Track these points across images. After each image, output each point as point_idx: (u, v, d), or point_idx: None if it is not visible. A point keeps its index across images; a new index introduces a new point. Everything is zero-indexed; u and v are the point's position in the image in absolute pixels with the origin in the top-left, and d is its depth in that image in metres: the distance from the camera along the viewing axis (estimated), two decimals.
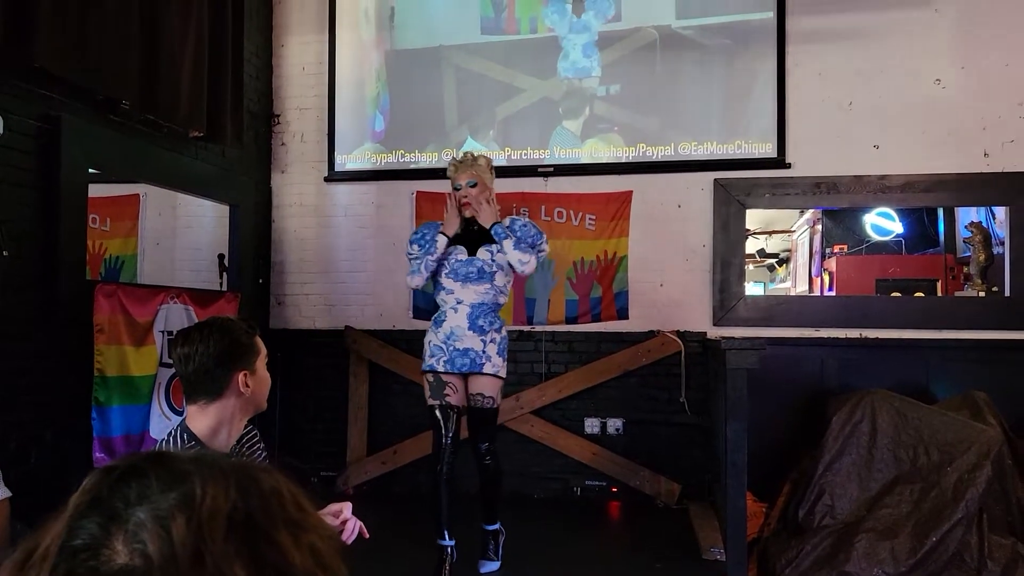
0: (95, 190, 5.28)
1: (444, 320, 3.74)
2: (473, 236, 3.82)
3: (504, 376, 3.76)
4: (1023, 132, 4.82)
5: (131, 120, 4.18)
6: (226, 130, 4.81)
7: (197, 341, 1.91)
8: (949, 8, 4.93)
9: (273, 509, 0.56)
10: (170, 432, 1.96)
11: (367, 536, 1.95)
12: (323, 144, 5.64)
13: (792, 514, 4.36)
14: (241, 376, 1.92)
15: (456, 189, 3.81)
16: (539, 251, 3.81)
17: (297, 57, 5.71)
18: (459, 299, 3.73)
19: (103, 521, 0.54)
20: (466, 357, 3.66)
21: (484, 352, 3.66)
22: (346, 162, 5.62)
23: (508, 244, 3.71)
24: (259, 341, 2.01)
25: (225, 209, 5.26)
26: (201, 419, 1.93)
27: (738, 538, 3.79)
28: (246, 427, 2.09)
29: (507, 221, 3.82)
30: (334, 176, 5.62)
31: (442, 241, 3.77)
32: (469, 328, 3.67)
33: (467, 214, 3.80)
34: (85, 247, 3.98)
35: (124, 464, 0.58)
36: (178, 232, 5.66)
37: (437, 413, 3.70)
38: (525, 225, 3.83)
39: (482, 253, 3.76)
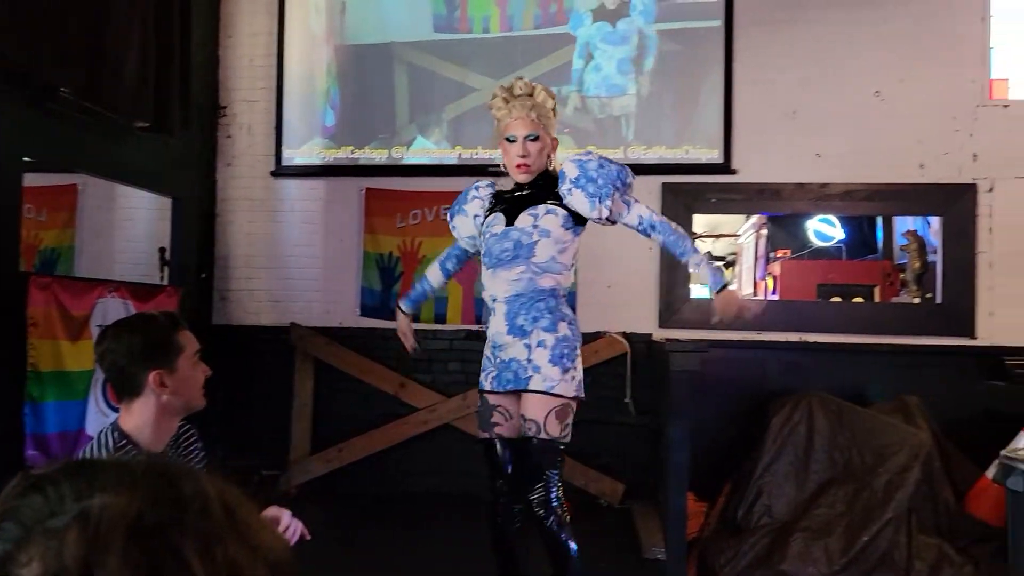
0: (31, 179, 5.13)
1: (489, 323, 2.84)
2: (519, 200, 2.79)
3: (565, 394, 2.64)
4: (957, 145, 4.98)
5: (71, 108, 4.08)
6: (172, 121, 4.72)
7: (110, 339, 1.88)
8: (889, 22, 5.06)
9: (188, 519, 0.54)
10: (102, 431, 1.92)
11: (308, 537, 1.94)
12: (271, 138, 5.56)
13: (731, 514, 4.44)
14: (155, 375, 1.87)
15: (510, 141, 2.74)
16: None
17: (245, 49, 5.63)
18: (493, 295, 2.77)
19: (15, 531, 0.53)
20: (509, 370, 2.71)
21: (530, 361, 2.66)
22: (294, 157, 5.56)
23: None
24: (183, 337, 1.95)
25: (167, 202, 5.16)
26: (128, 418, 1.90)
27: (678, 537, 3.85)
28: (183, 425, 2.06)
29: (574, 170, 2.71)
30: (282, 171, 5.55)
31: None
32: (508, 332, 2.70)
33: (521, 179, 2.77)
34: (19, 237, 3.87)
35: (40, 472, 0.57)
36: (118, 224, 5.53)
37: (485, 450, 2.83)
38: (602, 166, 2.70)
39: (523, 219, 2.72)
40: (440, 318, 5.38)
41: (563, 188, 2.70)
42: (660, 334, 5.11)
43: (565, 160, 2.76)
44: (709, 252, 2.69)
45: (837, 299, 5.64)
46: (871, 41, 5.07)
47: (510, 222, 2.74)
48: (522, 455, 2.70)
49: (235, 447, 5.28)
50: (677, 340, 4.21)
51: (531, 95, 2.74)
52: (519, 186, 2.80)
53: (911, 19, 5.04)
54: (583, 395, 2.73)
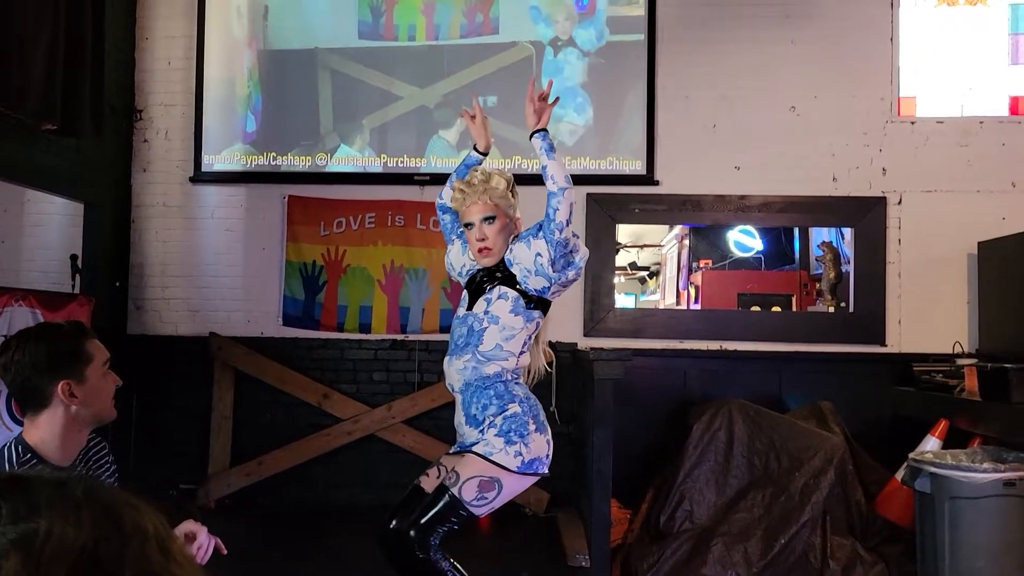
0: None
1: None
2: (480, 284, 2.77)
3: (503, 464, 2.56)
4: (867, 160, 5.19)
5: None
6: (83, 124, 4.55)
7: (13, 350, 1.80)
8: (804, 42, 5.24)
9: (128, 554, 0.53)
10: (6, 444, 1.84)
11: (225, 552, 1.89)
12: (189, 143, 5.42)
13: (654, 520, 4.51)
14: (63, 386, 1.81)
15: (468, 227, 2.75)
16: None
17: (163, 51, 5.47)
18: (450, 384, 2.76)
19: None
20: (463, 440, 2.74)
21: (482, 433, 2.64)
22: (214, 162, 5.43)
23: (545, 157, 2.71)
24: (91, 346, 1.89)
25: (80, 207, 4.97)
26: (33, 431, 1.82)
27: (602, 544, 3.89)
28: (93, 438, 1.98)
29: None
30: (201, 176, 5.41)
31: (472, 156, 2.91)
32: (467, 423, 2.70)
33: (485, 263, 2.74)
34: None
35: None
36: (26, 231, 5.31)
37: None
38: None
39: (479, 304, 2.71)
40: (365, 328, 5.33)
41: (511, 248, 2.71)
42: (585, 343, 5.16)
43: None
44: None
45: (756, 308, 5.79)
46: (788, 59, 5.24)
47: (471, 307, 2.75)
48: (427, 498, 2.63)
49: (152, 460, 5.12)
50: (601, 349, 4.26)
51: (487, 181, 2.73)
52: (486, 269, 2.78)
53: (825, 39, 5.23)
54: (536, 471, 2.62)
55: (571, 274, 2.70)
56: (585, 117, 5.34)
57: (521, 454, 2.57)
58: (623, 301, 6.56)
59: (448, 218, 2.96)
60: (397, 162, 5.39)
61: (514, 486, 2.62)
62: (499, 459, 2.56)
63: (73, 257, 4.87)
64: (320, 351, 5.36)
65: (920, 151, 5.16)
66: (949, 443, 4.25)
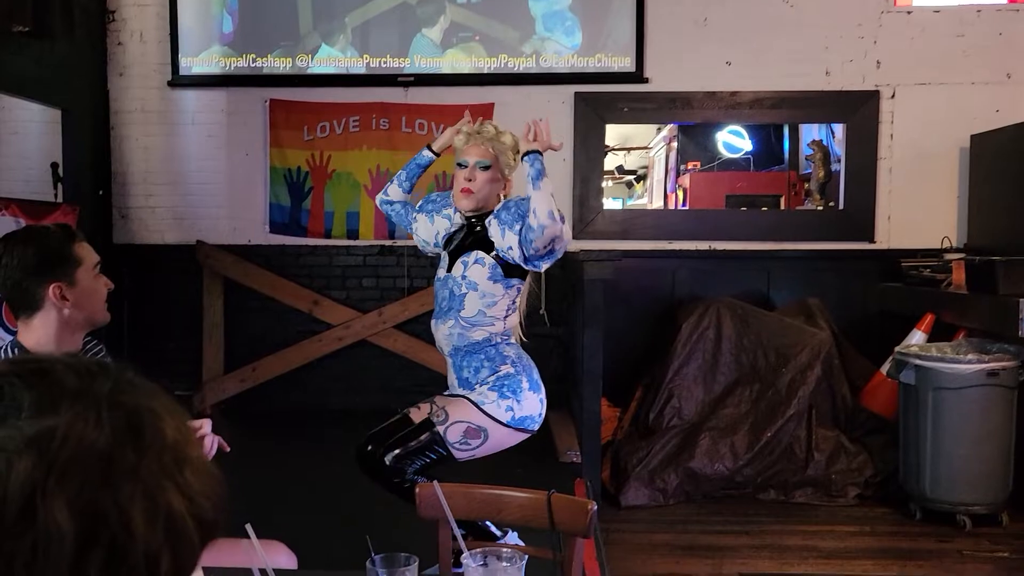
0: None
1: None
2: (460, 244, 2.71)
3: (493, 415, 2.58)
4: (861, 52, 5.08)
5: None
6: (54, 25, 4.39)
7: (2, 253, 1.79)
8: None
9: (142, 467, 0.51)
10: (2, 346, 1.83)
11: (227, 449, 1.91)
12: (165, 45, 5.24)
13: (643, 417, 4.60)
14: (54, 288, 1.80)
15: (460, 167, 2.70)
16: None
17: None
18: (440, 347, 2.75)
19: None
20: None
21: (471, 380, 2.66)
22: (192, 66, 5.27)
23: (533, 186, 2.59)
24: (81, 249, 1.87)
25: (57, 114, 4.84)
26: (28, 334, 1.82)
27: (593, 440, 3.98)
28: (88, 340, 1.98)
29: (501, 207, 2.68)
30: (179, 80, 5.26)
31: (424, 154, 2.91)
32: (460, 385, 2.69)
33: (463, 205, 2.68)
34: None
35: (4, 370, 0.52)
36: (4, 139, 5.18)
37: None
38: (524, 199, 2.62)
39: (457, 267, 2.67)
40: (352, 234, 5.29)
41: (487, 220, 2.66)
42: (574, 245, 5.14)
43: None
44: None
45: (745, 209, 5.78)
46: None
47: (451, 268, 2.70)
48: (412, 430, 2.62)
49: (146, 368, 5.13)
50: (590, 250, 4.26)
51: (497, 135, 2.71)
52: (465, 223, 2.73)
53: None
54: (524, 427, 2.62)
55: (546, 265, 2.67)
56: (572, 25, 5.17)
57: (512, 409, 2.58)
58: (610, 206, 6.52)
59: (397, 207, 2.92)
60: (380, 62, 5.24)
61: (501, 439, 2.64)
62: (490, 410, 2.57)
63: (54, 165, 4.78)
64: (309, 258, 5.34)
65: (915, 42, 5.05)
66: (934, 337, 4.33)
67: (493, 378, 2.61)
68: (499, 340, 2.67)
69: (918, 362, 3.82)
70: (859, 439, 4.35)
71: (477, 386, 2.63)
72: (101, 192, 5.16)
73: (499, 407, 2.57)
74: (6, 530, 0.46)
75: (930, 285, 4.48)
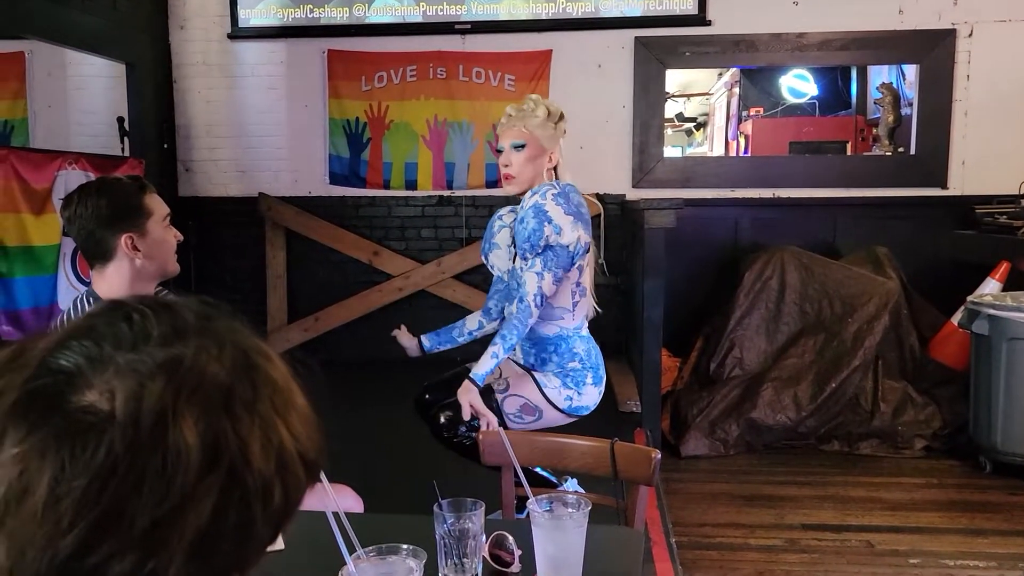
0: None
1: None
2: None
3: (552, 400, 2.58)
4: None
5: None
6: None
7: (76, 204, 1.83)
8: None
9: (259, 403, 0.53)
10: (77, 296, 1.89)
11: None
12: None
13: (704, 367, 4.57)
14: (125, 239, 1.84)
15: (499, 152, 2.64)
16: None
17: None
18: None
19: (91, 353, 0.51)
20: (529, 356, 2.70)
21: (545, 372, 2.63)
22: (250, 17, 5.28)
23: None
24: (151, 201, 1.90)
25: (121, 68, 4.91)
26: (101, 283, 1.87)
27: (653, 390, 3.97)
28: (160, 290, 2.03)
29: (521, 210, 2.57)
30: (238, 33, 5.29)
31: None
32: (524, 361, 2.72)
33: (508, 190, 2.65)
34: None
35: (132, 303, 0.55)
36: (71, 94, 5.29)
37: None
38: (523, 220, 2.52)
39: (517, 260, 2.63)
40: (411, 184, 5.31)
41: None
42: (634, 194, 5.09)
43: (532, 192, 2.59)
44: (496, 356, 2.44)
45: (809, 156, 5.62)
46: None
47: (514, 257, 2.65)
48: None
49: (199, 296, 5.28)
50: (651, 199, 4.19)
51: (532, 110, 2.59)
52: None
53: None
54: (575, 414, 2.63)
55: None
56: None
57: (571, 399, 2.60)
58: (670, 153, 6.40)
59: (499, 289, 2.86)
60: (437, 10, 5.19)
61: (553, 419, 2.64)
62: (550, 395, 2.58)
63: (120, 119, 4.87)
64: (368, 209, 5.38)
65: None
66: (1010, 286, 4.18)
67: (558, 370, 2.61)
68: (571, 334, 2.63)
69: (992, 312, 3.70)
70: (927, 391, 4.25)
71: (545, 368, 2.63)
72: (166, 145, 5.25)
73: (560, 394, 2.59)
74: (140, 444, 0.48)
75: (1006, 232, 4.31)
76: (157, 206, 1.92)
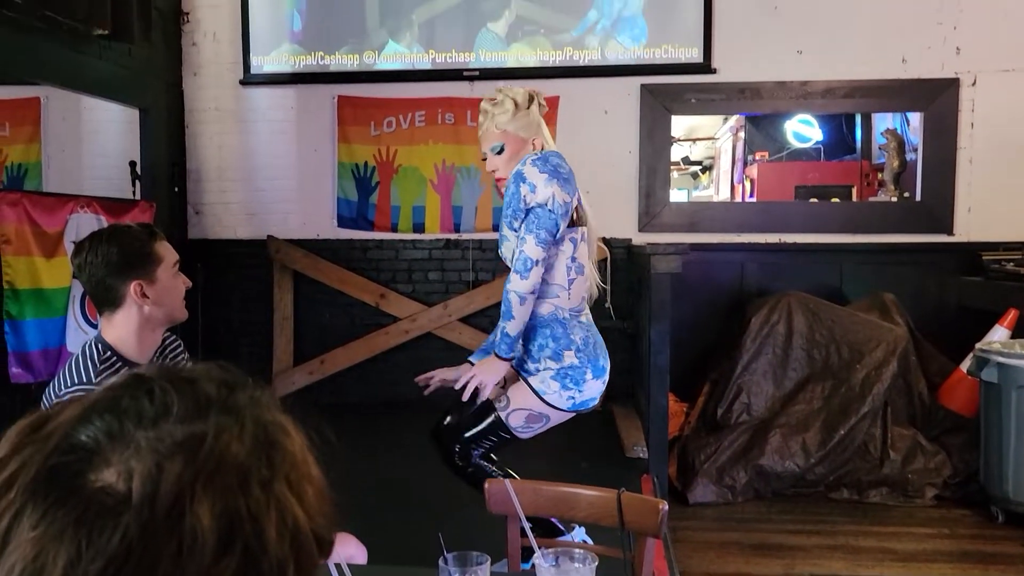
0: None
1: None
2: None
3: (553, 404, 2.53)
4: (939, 39, 4.91)
5: (27, 16, 3.89)
6: (132, 27, 4.52)
7: (86, 251, 1.85)
8: None
9: (276, 483, 0.53)
10: (86, 343, 1.90)
11: None
12: (237, 45, 5.37)
13: (711, 413, 4.54)
14: (135, 286, 1.85)
15: (484, 159, 2.64)
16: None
17: None
18: None
19: (111, 429, 0.51)
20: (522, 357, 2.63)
21: (537, 367, 2.56)
22: (263, 64, 5.38)
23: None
24: (161, 248, 1.92)
25: (134, 113, 5.00)
26: (110, 330, 1.88)
27: (660, 436, 3.94)
28: (168, 336, 2.04)
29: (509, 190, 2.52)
30: (251, 79, 5.38)
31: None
32: (522, 348, 2.65)
33: (501, 191, 2.63)
34: None
35: (155, 376, 0.55)
36: (84, 138, 5.37)
37: None
38: (507, 187, 2.52)
39: (512, 237, 2.57)
40: (418, 228, 5.34)
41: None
42: (640, 239, 5.11)
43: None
44: (507, 334, 2.46)
45: (814, 201, 5.65)
46: None
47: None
48: (475, 413, 2.60)
49: (218, 359, 5.29)
50: (657, 243, 4.21)
51: (496, 106, 2.56)
52: None
53: None
54: (581, 409, 2.59)
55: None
56: (638, 17, 5.11)
57: (574, 398, 2.54)
58: (676, 196, 6.45)
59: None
60: (446, 57, 5.27)
61: (560, 419, 2.62)
62: (551, 400, 2.53)
63: (132, 163, 4.93)
64: (375, 251, 5.41)
65: (998, 27, 4.85)
66: (1018, 333, 4.16)
67: (556, 367, 2.52)
68: (567, 316, 2.54)
69: (1001, 359, 3.68)
70: (937, 438, 4.22)
71: (540, 369, 2.54)
72: (176, 189, 5.31)
73: (560, 397, 2.53)
74: (156, 528, 0.48)
75: (1013, 279, 4.31)
76: (167, 253, 1.94)
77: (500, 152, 2.55)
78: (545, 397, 2.53)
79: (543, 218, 2.43)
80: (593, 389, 2.58)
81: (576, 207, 2.54)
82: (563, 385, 2.53)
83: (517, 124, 2.55)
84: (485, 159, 2.61)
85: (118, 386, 0.55)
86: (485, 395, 2.53)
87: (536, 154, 2.52)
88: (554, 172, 2.45)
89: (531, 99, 2.58)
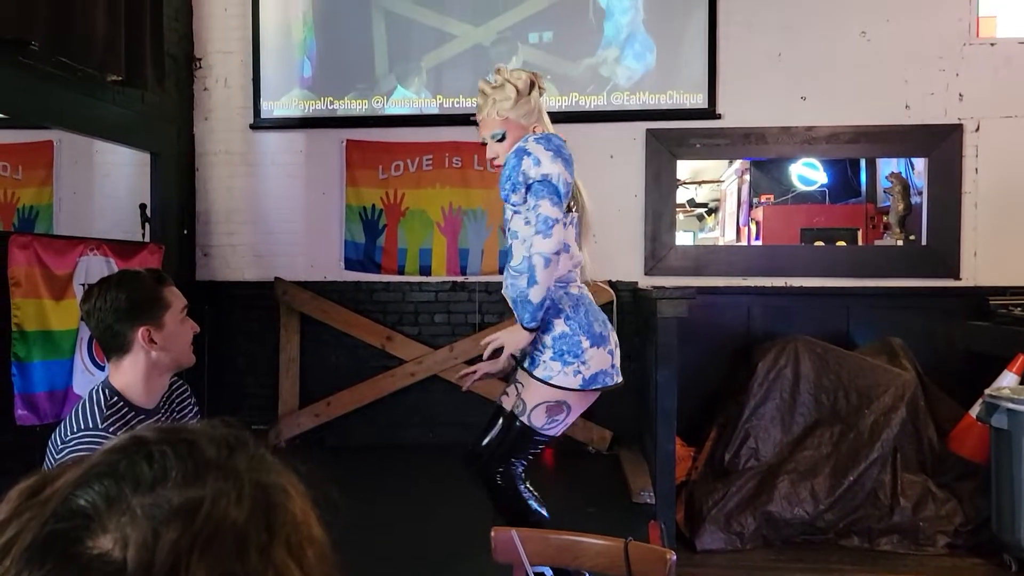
0: (4, 136, 5.01)
1: None
2: None
3: (565, 386, 2.50)
4: (942, 85, 4.96)
5: (42, 63, 3.96)
6: (146, 74, 4.60)
7: (95, 297, 1.86)
8: None
9: (274, 549, 0.53)
10: (93, 388, 1.91)
11: None
12: (248, 90, 5.45)
13: (719, 458, 4.50)
14: (143, 332, 1.86)
15: (483, 144, 2.64)
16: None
17: None
18: (504, 292, 2.73)
19: (109, 494, 0.51)
20: (526, 354, 2.61)
21: (537, 350, 2.55)
22: (273, 109, 5.46)
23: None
24: (169, 293, 1.94)
25: (146, 157, 5.06)
26: (118, 376, 1.88)
27: (667, 481, 3.90)
28: (175, 381, 2.05)
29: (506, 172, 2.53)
30: (260, 123, 5.45)
31: None
32: None
33: (496, 170, 2.65)
34: None
35: (154, 439, 0.55)
36: (96, 181, 5.43)
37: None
38: (505, 163, 2.53)
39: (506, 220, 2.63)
40: (425, 270, 5.37)
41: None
42: (646, 282, 5.12)
43: None
44: (529, 301, 2.45)
45: (820, 243, 5.66)
46: None
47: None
48: (501, 429, 2.59)
49: (225, 401, 5.29)
50: (663, 287, 4.21)
51: (499, 90, 2.56)
52: None
53: None
54: (600, 385, 2.55)
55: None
56: (644, 63, 5.19)
57: (580, 372, 2.49)
58: (681, 238, 6.47)
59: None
60: (453, 103, 5.34)
61: (581, 403, 2.58)
62: (559, 382, 2.48)
63: (142, 206, 4.98)
64: (382, 294, 5.43)
65: (1000, 74, 4.91)
66: None
67: (549, 339, 2.49)
68: (552, 286, 2.51)
69: (1011, 405, 3.65)
70: (947, 485, 4.17)
71: (541, 360, 2.52)
72: (185, 231, 5.36)
73: (566, 376, 2.48)
74: None
75: (1021, 324, 4.29)
76: (175, 299, 1.95)
77: (501, 139, 2.56)
78: (552, 381, 2.49)
79: (548, 187, 2.43)
80: (598, 360, 2.54)
81: (574, 193, 2.56)
82: (563, 362, 2.49)
83: (519, 111, 2.55)
84: (485, 144, 2.61)
85: (117, 449, 0.54)
86: (504, 356, 2.52)
87: (539, 135, 2.54)
88: (557, 151, 2.48)
89: (532, 85, 2.59)
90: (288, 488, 0.57)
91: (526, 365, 2.57)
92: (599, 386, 2.55)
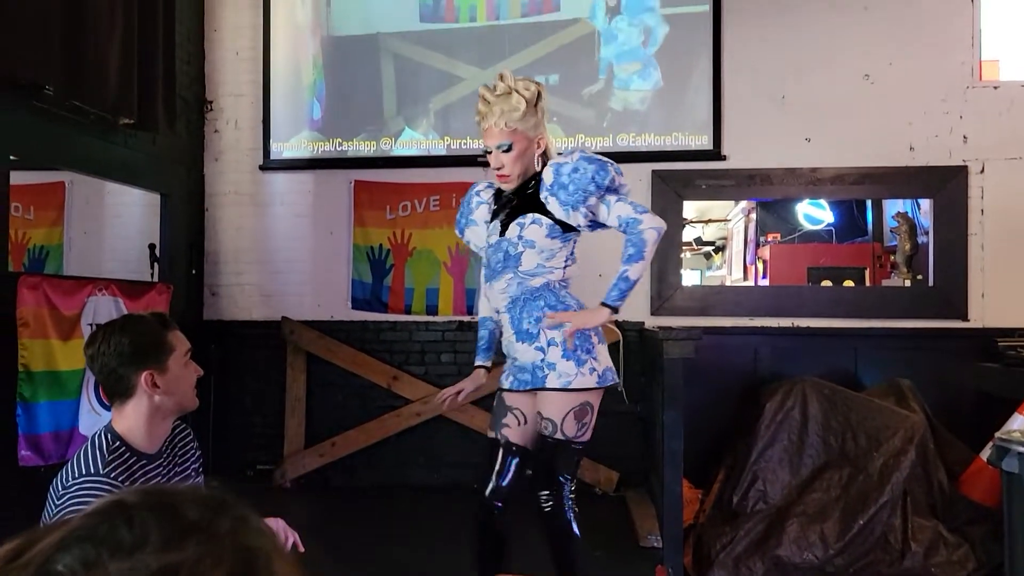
0: (17, 177, 5.07)
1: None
2: (513, 208, 2.66)
3: (584, 387, 2.55)
4: (946, 127, 4.99)
5: (56, 106, 4.03)
6: (157, 117, 4.67)
7: (99, 341, 1.86)
8: (878, 5, 5.05)
9: None
10: (96, 433, 1.91)
11: (302, 550, 1.94)
12: (258, 131, 5.52)
13: (727, 500, 4.46)
14: (146, 376, 1.86)
15: (486, 153, 2.64)
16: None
17: (230, 42, 5.57)
18: (496, 307, 2.71)
19: (87, 558, 0.51)
20: (525, 372, 2.63)
21: (544, 360, 2.57)
22: (283, 150, 5.52)
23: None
24: (173, 337, 1.93)
25: (156, 198, 5.11)
26: (121, 420, 1.88)
27: (674, 524, 3.86)
28: (178, 426, 2.04)
29: (549, 176, 2.57)
30: (270, 164, 5.51)
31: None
32: (517, 339, 2.62)
33: (505, 188, 2.66)
34: (7, 237, 3.83)
35: (134, 501, 0.55)
36: (106, 221, 5.49)
37: (490, 447, 2.74)
38: (576, 169, 2.53)
39: (511, 229, 2.61)
40: (432, 310, 5.38)
41: (543, 195, 2.59)
42: (652, 322, 5.11)
43: (549, 163, 2.63)
44: (627, 279, 2.53)
45: (828, 283, 5.65)
46: (860, 24, 5.06)
47: (503, 231, 2.64)
48: (537, 454, 2.63)
49: (230, 441, 5.28)
50: (670, 328, 4.21)
51: (507, 99, 2.56)
52: (511, 193, 2.67)
53: (900, 2, 5.03)
54: (610, 382, 2.62)
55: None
56: (648, 105, 5.24)
57: (595, 369, 2.56)
58: (688, 277, 6.46)
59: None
60: (460, 144, 5.40)
61: (597, 401, 2.62)
62: (579, 384, 2.53)
63: (151, 246, 5.02)
64: (389, 333, 5.43)
65: (1004, 117, 4.94)
66: None
67: (560, 341, 2.54)
68: (558, 286, 2.62)
69: (1022, 449, 3.61)
70: (959, 529, 4.11)
71: (544, 348, 2.56)
72: (194, 271, 5.39)
73: (583, 376, 2.54)
74: None
75: None
76: (179, 343, 1.95)
77: (508, 150, 2.57)
78: (571, 385, 2.54)
79: (624, 190, 2.65)
80: (604, 355, 2.63)
81: None
82: (577, 361, 2.54)
83: (527, 123, 2.58)
84: (489, 153, 2.61)
85: (98, 512, 0.54)
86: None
87: (585, 152, 2.63)
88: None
89: (539, 95, 2.61)
90: (270, 551, 0.57)
91: (547, 383, 2.57)
92: (609, 383, 2.62)
